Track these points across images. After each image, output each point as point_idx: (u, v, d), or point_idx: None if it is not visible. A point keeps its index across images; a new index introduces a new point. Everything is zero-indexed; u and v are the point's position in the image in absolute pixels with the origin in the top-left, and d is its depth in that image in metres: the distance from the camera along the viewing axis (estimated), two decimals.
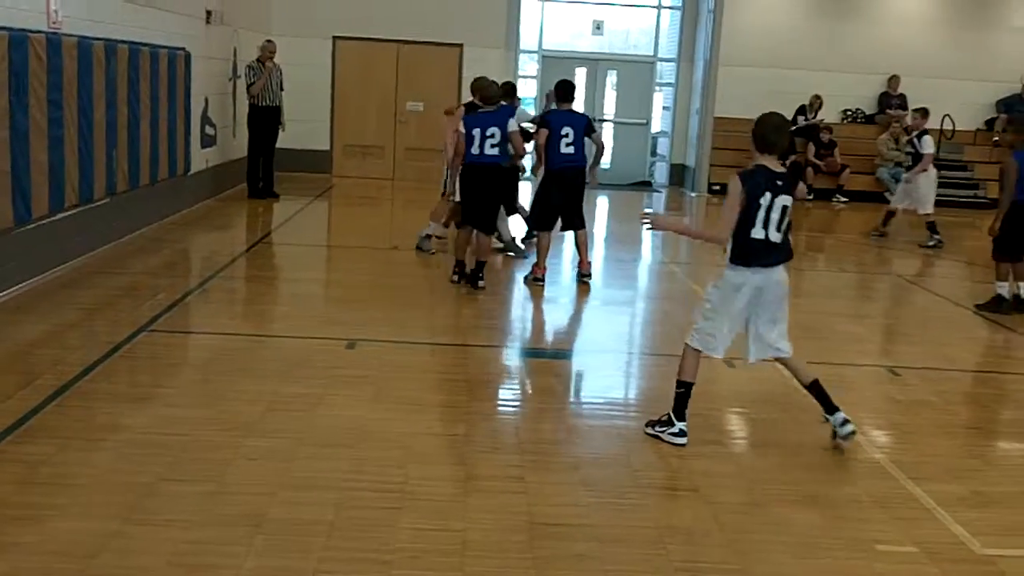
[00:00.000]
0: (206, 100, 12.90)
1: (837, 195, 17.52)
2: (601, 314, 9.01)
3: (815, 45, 18.31)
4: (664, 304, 9.32)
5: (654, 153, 19.24)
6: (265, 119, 13.63)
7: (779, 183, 5.27)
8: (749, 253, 5.33)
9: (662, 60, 18.85)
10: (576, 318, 8.87)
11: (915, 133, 13.35)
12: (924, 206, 13.05)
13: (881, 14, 18.64)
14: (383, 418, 5.62)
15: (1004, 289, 9.09)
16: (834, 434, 5.57)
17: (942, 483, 5.17)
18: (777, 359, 5.74)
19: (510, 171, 9.11)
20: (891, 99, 18.51)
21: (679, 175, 18.62)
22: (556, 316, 8.77)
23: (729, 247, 5.37)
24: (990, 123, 18.71)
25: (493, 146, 8.54)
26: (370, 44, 16.82)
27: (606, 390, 6.75)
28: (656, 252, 11.74)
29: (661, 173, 19.12)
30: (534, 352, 7.40)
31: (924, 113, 13.44)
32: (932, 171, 13.16)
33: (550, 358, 7.36)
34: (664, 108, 19.04)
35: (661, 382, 6.90)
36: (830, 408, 5.59)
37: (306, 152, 16.47)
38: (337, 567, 3.94)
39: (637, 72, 18.67)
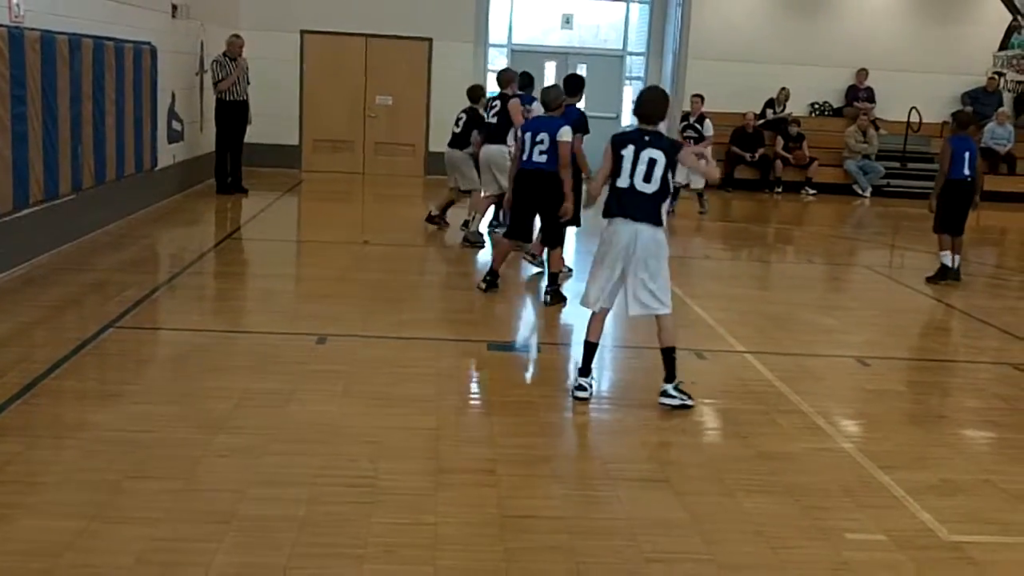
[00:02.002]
0: (173, 95, 12.80)
1: (806, 187, 17.64)
2: (573, 308, 9.01)
3: (783, 39, 18.42)
4: None
5: None
6: (233, 114, 13.53)
7: (647, 139, 5.85)
8: (615, 203, 5.86)
9: (631, 54, 18.89)
10: (547, 311, 8.87)
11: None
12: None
13: (849, 8, 18.77)
14: (354, 413, 5.60)
15: (947, 258, 10.04)
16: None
17: (910, 471, 5.21)
18: (656, 316, 6.01)
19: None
20: (858, 92, 18.65)
21: None
22: (526, 310, 8.76)
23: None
24: (956, 115, 18.85)
25: (542, 152, 8.21)
26: (338, 38, 16.74)
27: (574, 382, 6.74)
28: None
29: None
30: (504, 346, 7.40)
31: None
32: None
33: (520, 351, 7.36)
34: (632, 102, 19.06)
35: (632, 374, 6.95)
36: (670, 377, 6.01)
37: (275, 147, 16.37)
38: (309, 563, 3.92)
39: (607, 66, 18.69)
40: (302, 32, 16.73)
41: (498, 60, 18.39)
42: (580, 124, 8.93)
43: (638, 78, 18.83)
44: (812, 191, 17.56)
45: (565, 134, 8.18)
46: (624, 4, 18.74)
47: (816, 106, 18.89)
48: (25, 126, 8.29)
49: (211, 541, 4.01)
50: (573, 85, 9.39)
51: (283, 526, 4.17)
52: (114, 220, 10.66)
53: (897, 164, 18.24)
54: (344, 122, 16.97)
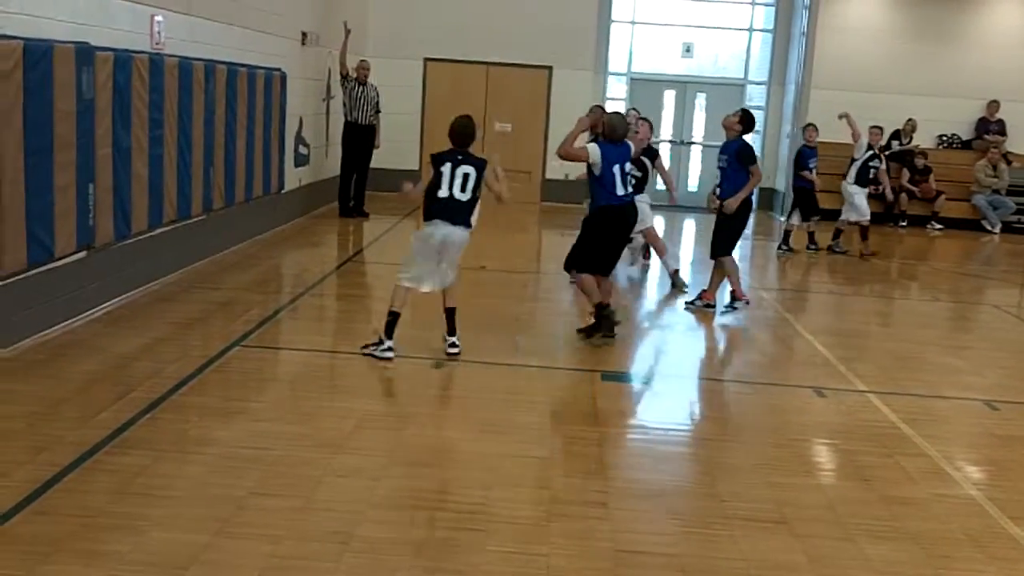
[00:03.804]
0: (300, 120, 13.17)
1: (932, 222, 17.12)
2: (685, 339, 8.93)
3: (909, 69, 17.95)
4: (749, 329, 9.19)
5: None
6: (360, 137, 13.87)
7: (460, 157, 7.09)
8: (432, 209, 7.06)
9: (752, 83, 18.67)
10: (660, 343, 8.81)
11: None
12: None
13: (978, 37, 18.19)
14: (468, 438, 5.64)
15: None
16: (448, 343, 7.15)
17: None
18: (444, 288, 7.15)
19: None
20: (989, 124, 18.04)
21: (768, 199, 18.38)
22: (638, 341, 8.70)
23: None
24: None
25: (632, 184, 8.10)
26: (460, 66, 17.00)
27: (691, 417, 6.68)
28: (745, 276, 11.58)
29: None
30: (618, 376, 7.36)
31: None
32: None
33: (633, 382, 7.31)
34: (755, 132, 18.81)
35: (742, 408, 6.82)
36: (451, 330, 7.21)
37: (396, 171, 16.63)
38: None
39: (727, 95, 18.49)
40: (425, 60, 17.05)
41: (616, 88, 18.40)
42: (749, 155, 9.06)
43: (759, 107, 18.58)
44: (938, 226, 17.03)
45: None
46: (747, 33, 18.56)
47: (944, 138, 18.34)
48: (161, 148, 8.64)
49: (329, 560, 4.08)
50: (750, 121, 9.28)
51: (398, 549, 4.23)
52: (242, 241, 11.01)
53: None
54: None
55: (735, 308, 9.29)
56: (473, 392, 6.58)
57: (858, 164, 13.39)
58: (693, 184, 18.56)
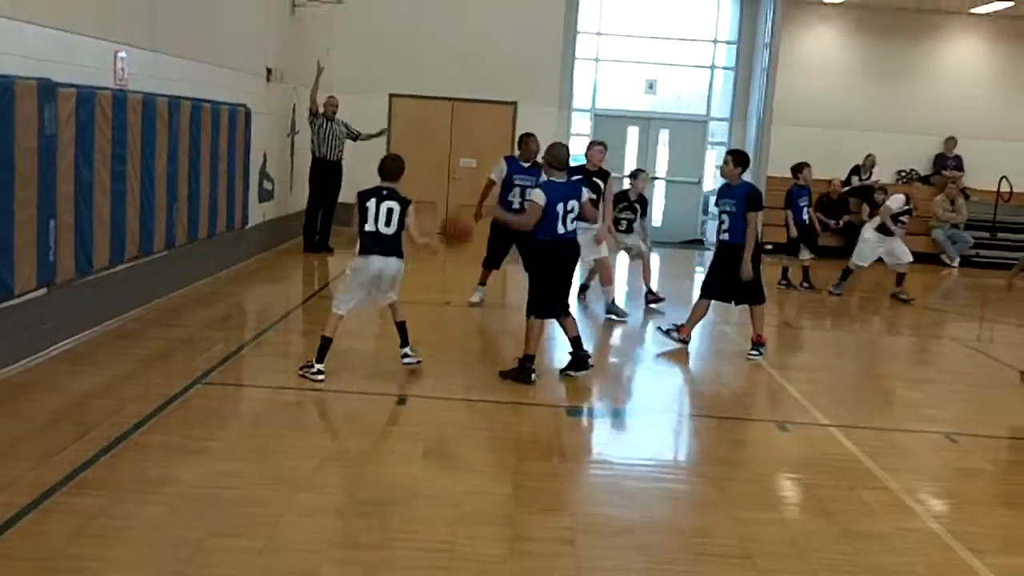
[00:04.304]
0: (265, 155, 13.15)
1: None
2: (650, 374, 8.96)
3: (869, 105, 18.27)
4: (715, 364, 9.24)
5: (706, 211, 19.20)
6: (327, 173, 13.88)
7: (384, 193, 7.53)
8: (366, 244, 7.49)
9: (715, 119, 18.89)
10: (626, 377, 8.83)
11: None
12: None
13: (936, 75, 18.56)
14: (433, 476, 5.62)
15: None
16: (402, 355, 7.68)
17: (1002, 556, 5.05)
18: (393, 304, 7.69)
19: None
20: (947, 160, 18.36)
21: None
22: (605, 375, 8.72)
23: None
24: None
25: (574, 220, 7.86)
26: (426, 101, 17.08)
27: (657, 451, 6.68)
28: (711, 313, 11.66)
29: (713, 231, 19.03)
30: (583, 411, 7.37)
31: None
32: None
33: (599, 417, 7.32)
34: (716, 167, 19.02)
35: (706, 443, 6.85)
36: (405, 343, 7.74)
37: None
38: None
39: (689, 131, 18.72)
40: (391, 95, 17.11)
41: (580, 124, 18.55)
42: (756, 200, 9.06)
43: (721, 143, 18.78)
44: None
45: (586, 195, 8.07)
46: (708, 70, 18.80)
47: (903, 173, 18.63)
48: (124, 184, 8.58)
49: None
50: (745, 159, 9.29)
51: None
52: (205, 276, 10.94)
53: (987, 234, 17.85)
54: (428, 183, 17.18)
55: (758, 353, 9.17)
56: (436, 428, 6.56)
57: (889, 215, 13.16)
58: (657, 219, 18.69)
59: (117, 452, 5.61)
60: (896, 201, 13.14)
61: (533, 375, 7.75)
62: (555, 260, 7.80)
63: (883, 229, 13.14)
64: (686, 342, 9.30)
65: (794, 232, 13.14)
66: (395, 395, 7.12)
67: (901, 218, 13.18)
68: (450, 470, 5.72)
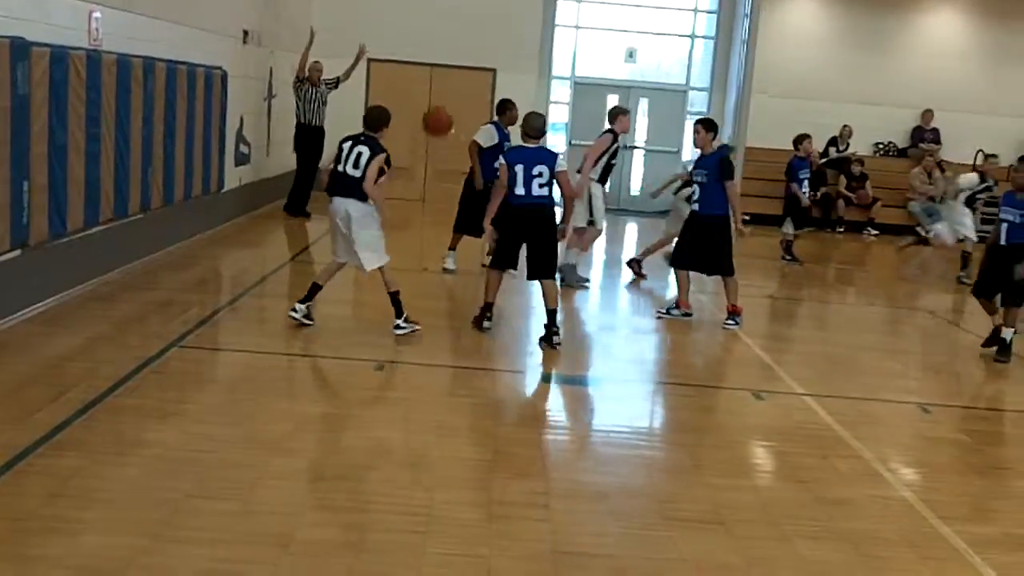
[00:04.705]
0: (241, 119, 13.03)
1: (868, 228, 17.43)
2: (627, 342, 8.99)
3: (848, 77, 18.27)
4: (691, 333, 9.27)
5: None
6: (312, 138, 13.82)
7: (361, 138, 7.60)
8: (331, 184, 7.63)
9: (694, 89, 18.87)
10: (602, 345, 8.85)
11: None
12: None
13: (915, 47, 18.58)
14: (410, 441, 5.63)
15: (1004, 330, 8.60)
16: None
17: (973, 524, 5.12)
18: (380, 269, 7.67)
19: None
20: (924, 133, 18.42)
21: None
22: (583, 343, 8.75)
23: None
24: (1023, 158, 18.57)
25: (541, 186, 7.84)
26: (404, 67, 16.94)
27: (632, 418, 6.72)
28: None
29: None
30: (561, 378, 7.39)
31: None
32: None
33: (577, 384, 7.34)
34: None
35: (681, 411, 6.89)
36: (399, 313, 7.72)
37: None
38: None
39: (669, 100, 18.69)
40: (369, 60, 16.94)
41: (560, 92, 18.49)
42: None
43: (700, 112, 18.77)
44: (874, 231, 17.34)
45: (562, 163, 8.04)
46: (688, 39, 18.75)
47: (880, 146, 18.69)
48: (99, 146, 8.49)
49: (268, 564, 4.04)
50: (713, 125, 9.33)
51: (338, 552, 4.20)
52: (180, 240, 10.85)
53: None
54: (406, 149, 17.10)
55: (734, 322, 9.14)
56: (414, 394, 6.57)
57: (966, 193, 13.04)
58: (636, 188, 18.70)
59: (92, 414, 5.58)
60: (968, 180, 12.96)
61: (486, 323, 8.05)
62: (512, 221, 7.92)
63: (969, 203, 12.97)
64: (689, 315, 9.28)
65: (806, 202, 13.10)
66: (372, 360, 7.10)
67: (979, 196, 12.98)
68: (427, 435, 5.73)
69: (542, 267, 7.95)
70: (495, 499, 4.89)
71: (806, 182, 13.21)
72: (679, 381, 7.68)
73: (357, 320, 8.92)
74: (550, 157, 7.92)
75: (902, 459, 6.15)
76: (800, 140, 13.38)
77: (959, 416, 7.22)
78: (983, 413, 7.48)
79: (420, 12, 16.70)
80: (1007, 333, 8.54)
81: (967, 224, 12.94)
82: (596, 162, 10.24)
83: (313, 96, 13.83)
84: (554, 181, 7.87)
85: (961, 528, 4.99)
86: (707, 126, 9.20)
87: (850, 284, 13.29)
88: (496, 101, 16.76)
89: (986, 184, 12.93)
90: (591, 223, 10.41)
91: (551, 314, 7.87)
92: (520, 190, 7.80)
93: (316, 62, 14.00)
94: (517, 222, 7.91)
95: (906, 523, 5.05)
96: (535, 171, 7.76)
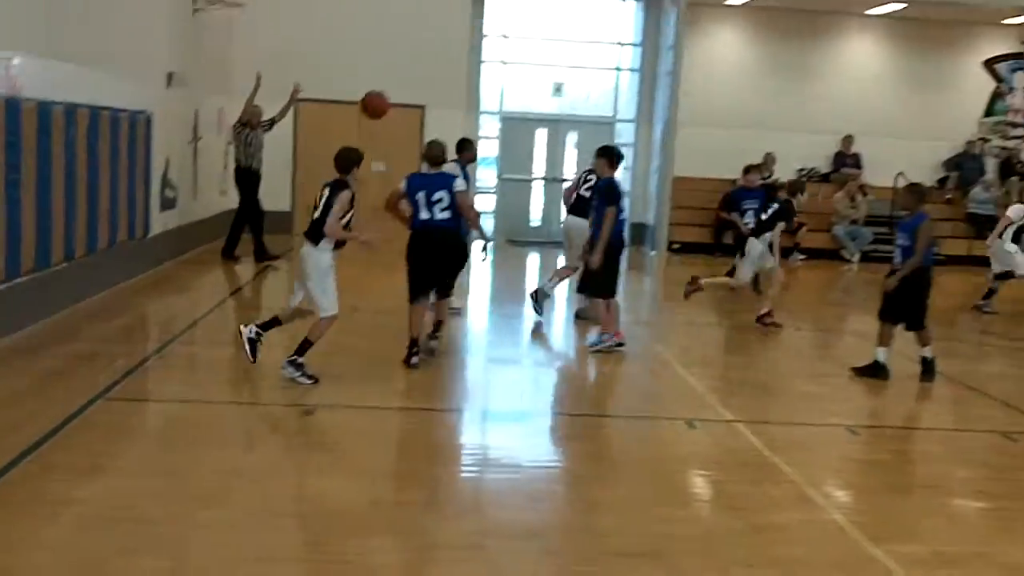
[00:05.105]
0: (167, 162, 12.89)
1: (795, 252, 17.73)
2: (557, 375, 9.02)
3: (771, 105, 18.68)
4: (623, 364, 9.32)
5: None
6: (253, 182, 13.87)
7: (336, 185, 7.52)
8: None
9: (621, 121, 19.11)
10: (532, 380, 8.86)
11: None
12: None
13: (835, 75, 19.08)
14: (342, 486, 5.56)
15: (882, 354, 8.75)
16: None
17: (902, 543, 5.19)
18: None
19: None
20: (846, 158, 18.86)
21: (639, 234, 18.77)
22: (511, 378, 8.75)
23: None
24: (942, 181, 19.12)
25: (443, 209, 8.24)
26: (331, 106, 16.89)
27: (566, 453, 6.73)
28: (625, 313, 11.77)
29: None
30: (494, 415, 7.39)
31: None
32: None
33: (510, 421, 7.34)
34: (624, 168, 19.21)
35: (616, 442, 6.92)
36: (301, 352, 7.45)
37: (267, 214, 16.42)
38: None
39: (597, 133, 18.89)
40: (251, 98, 16.82)
41: (489, 127, 18.62)
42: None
43: (628, 144, 19.01)
44: (801, 256, 17.65)
45: (460, 185, 8.43)
46: (614, 72, 19.01)
47: (804, 171, 19.08)
48: (18, 194, 8.33)
49: None
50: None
51: None
52: (106, 288, 10.65)
53: (885, 229, 18.37)
54: None
55: (600, 342, 9.28)
56: (344, 438, 6.51)
57: (1015, 227, 12.91)
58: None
59: (16, 471, 5.44)
60: (1017, 211, 12.88)
61: (414, 359, 8.13)
62: (418, 246, 8.34)
63: (1017, 238, 12.83)
64: (622, 344, 9.32)
65: (744, 231, 12.97)
66: (303, 405, 7.03)
67: None
68: (360, 480, 5.67)
69: (443, 286, 8.54)
70: (429, 542, 4.86)
71: (750, 212, 13.00)
72: (612, 413, 7.72)
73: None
74: (447, 181, 8.31)
75: (832, 482, 6.23)
76: (746, 171, 13.49)
77: (886, 437, 7.36)
78: (908, 432, 7.63)
79: (346, 51, 16.71)
80: (926, 352, 8.75)
81: (1018, 260, 12.84)
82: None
83: (253, 139, 13.81)
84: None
85: (891, 548, 5.06)
86: (598, 153, 9.47)
87: (778, 309, 13.46)
88: (423, 137, 16.89)
89: None
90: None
91: (438, 325, 8.30)
92: (424, 214, 8.24)
93: (255, 106, 13.97)
94: (423, 244, 8.30)
95: (837, 546, 5.12)
96: (435, 196, 8.20)
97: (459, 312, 10.59)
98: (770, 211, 11.19)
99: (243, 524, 4.95)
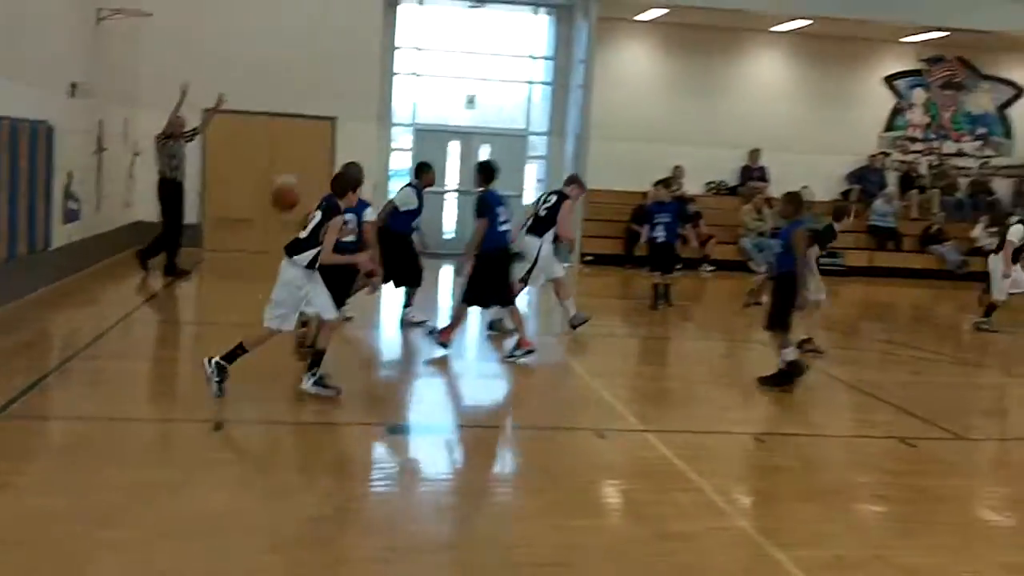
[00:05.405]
0: (70, 174, 12.58)
1: (704, 264, 18.04)
2: (469, 388, 9.03)
3: (680, 119, 19.01)
4: (533, 376, 9.37)
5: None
6: (178, 194, 13.69)
7: (328, 209, 7.39)
8: None
9: (534, 134, 19.24)
10: (442, 392, 8.86)
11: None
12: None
13: (741, 90, 19.50)
14: (250, 503, 5.49)
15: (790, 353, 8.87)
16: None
17: (805, 548, 5.30)
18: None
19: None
20: (752, 172, 19.26)
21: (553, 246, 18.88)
22: (421, 391, 8.74)
23: None
24: (845, 194, 19.65)
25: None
26: (241, 117, 16.66)
27: (477, 465, 6.74)
28: (537, 323, 11.84)
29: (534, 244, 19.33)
30: (405, 429, 7.36)
31: None
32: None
33: (420, 434, 7.32)
34: (538, 180, 19.37)
35: (526, 454, 6.96)
36: (227, 359, 7.32)
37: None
38: None
39: (510, 145, 18.99)
40: (204, 110, 16.62)
41: (402, 139, 18.58)
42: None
43: (541, 157, 19.16)
44: (710, 268, 17.96)
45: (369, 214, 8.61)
46: (527, 85, 19.13)
47: (712, 185, 19.44)
48: None
49: None
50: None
51: None
52: (6, 302, 10.34)
53: None
54: (248, 200, 16.81)
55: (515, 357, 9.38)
56: (252, 453, 6.43)
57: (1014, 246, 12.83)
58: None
59: None
60: (1017, 233, 12.87)
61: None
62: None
63: (1015, 258, 12.85)
64: (445, 345, 9.40)
65: (642, 241, 13.03)
66: (210, 421, 6.92)
67: None
68: (268, 496, 5.60)
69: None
70: (338, 557, 4.82)
71: (661, 226, 13.12)
72: (524, 425, 7.75)
73: (194, 378, 8.65)
74: (360, 207, 8.33)
75: (738, 489, 6.35)
76: (657, 184, 13.68)
77: (791, 444, 7.52)
78: (813, 439, 7.80)
79: (256, 61, 16.48)
80: (788, 354, 8.81)
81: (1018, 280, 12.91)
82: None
83: (176, 151, 13.61)
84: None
85: (796, 553, 5.17)
86: (474, 169, 9.88)
87: (688, 320, 13.70)
88: (339, 150, 16.83)
89: None
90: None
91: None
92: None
93: (179, 116, 13.75)
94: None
95: (742, 553, 5.22)
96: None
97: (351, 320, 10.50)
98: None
99: (147, 543, 4.84)
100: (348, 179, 7.67)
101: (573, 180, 11.75)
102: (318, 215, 7.41)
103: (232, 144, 16.68)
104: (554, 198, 11.06)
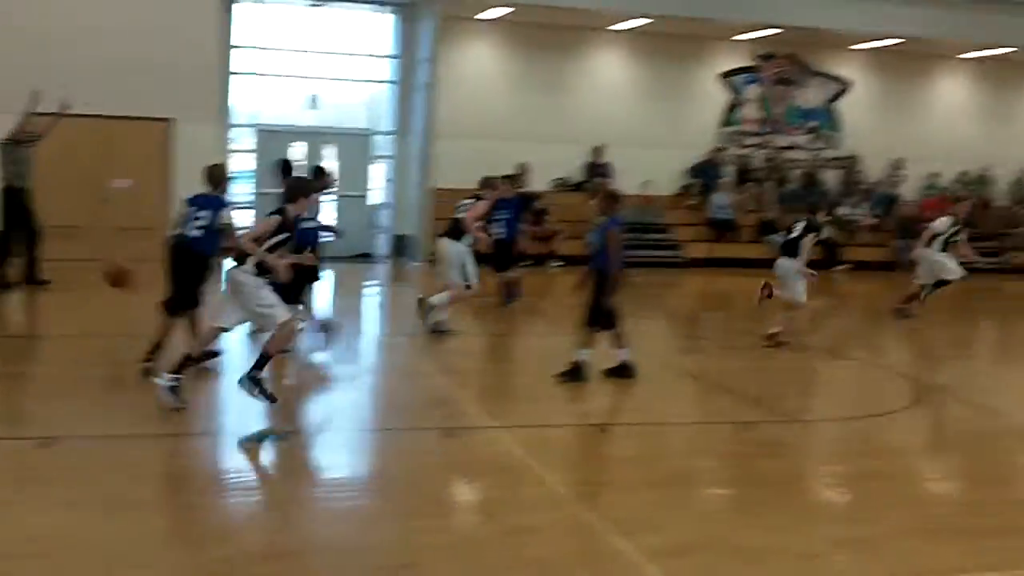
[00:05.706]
0: None
1: (551, 260, 18.20)
2: (315, 392, 8.87)
3: (525, 117, 19.15)
4: (389, 379, 9.30)
5: (376, 225, 19.35)
6: (26, 201, 13.20)
7: (273, 210, 7.36)
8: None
9: (379, 133, 19.09)
10: (287, 398, 8.67)
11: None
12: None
13: (584, 87, 19.80)
14: (82, 521, 5.25)
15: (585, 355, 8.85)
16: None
17: (647, 535, 5.40)
18: None
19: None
20: (597, 168, 19.58)
21: (400, 245, 18.83)
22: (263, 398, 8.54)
23: None
24: (686, 188, 20.20)
25: (199, 228, 8.22)
26: (71, 120, 15.91)
27: (323, 471, 6.64)
28: (381, 325, 11.74)
29: (383, 244, 19.25)
30: (247, 436, 7.17)
31: None
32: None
33: (264, 441, 7.14)
34: (388, 180, 19.23)
35: (375, 456, 6.89)
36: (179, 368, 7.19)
37: None
38: None
39: (355, 145, 18.79)
40: (25, 115, 15.80)
41: (244, 140, 18.15)
42: None
43: (388, 156, 19.03)
44: (558, 263, 18.15)
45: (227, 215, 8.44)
46: (371, 84, 18.96)
47: (559, 181, 19.67)
48: None
49: None
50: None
51: None
52: None
53: (633, 235, 19.20)
54: (78, 207, 16.09)
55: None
56: (84, 469, 6.13)
57: (942, 238, 13.13)
58: (329, 234, 18.59)
59: None
60: (942, 224, 13.22)
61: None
62: (167, 255, 8.45)
63: (946, 248, 13.15)
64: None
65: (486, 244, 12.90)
66: (39, 437, 6.58)
67: (954, 237, 13.20)
68: (102, 512, 5.37)
69: (182, 300, 8.35)
70: (174, 571, 4.66)
71: (502, 222, 13.07)
72: (371, 427, 7.68)
73: (21, 393, 8.25)
74: (212, 204, 8.30)
75: (583, 480, 6.45)
76: (502, 179, 13.64)
77: (634, 433, 7.68)
78: (656, 428, 7.97)
79: (87, 61, 15.76)
80: (583, 354, 8.84)
81: (949, 267, 13.21)
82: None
83: (23, 157, 13.06)
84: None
85: (639, 541, 5.28)
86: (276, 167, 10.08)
87: (535, 315, 13.82)
88: (179, 151, 16.30)
89: (956, 226, 13.25)
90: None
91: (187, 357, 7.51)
92: (180, 228, 8.37)
93: (31, 121, 13.12)
94: (168, 256, 8.43)
95: (586, 542, 5.31)
96: (200, 214, 8.24)
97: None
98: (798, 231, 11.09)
99: None
100: (297, 186, 7.64)
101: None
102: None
103: (60, 148, 15.84)
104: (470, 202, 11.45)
